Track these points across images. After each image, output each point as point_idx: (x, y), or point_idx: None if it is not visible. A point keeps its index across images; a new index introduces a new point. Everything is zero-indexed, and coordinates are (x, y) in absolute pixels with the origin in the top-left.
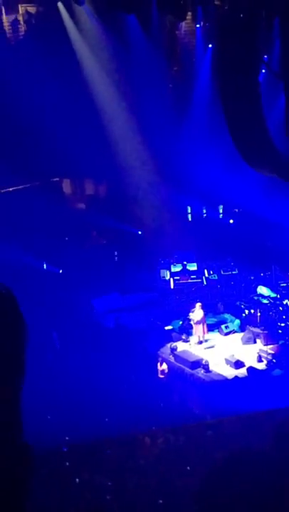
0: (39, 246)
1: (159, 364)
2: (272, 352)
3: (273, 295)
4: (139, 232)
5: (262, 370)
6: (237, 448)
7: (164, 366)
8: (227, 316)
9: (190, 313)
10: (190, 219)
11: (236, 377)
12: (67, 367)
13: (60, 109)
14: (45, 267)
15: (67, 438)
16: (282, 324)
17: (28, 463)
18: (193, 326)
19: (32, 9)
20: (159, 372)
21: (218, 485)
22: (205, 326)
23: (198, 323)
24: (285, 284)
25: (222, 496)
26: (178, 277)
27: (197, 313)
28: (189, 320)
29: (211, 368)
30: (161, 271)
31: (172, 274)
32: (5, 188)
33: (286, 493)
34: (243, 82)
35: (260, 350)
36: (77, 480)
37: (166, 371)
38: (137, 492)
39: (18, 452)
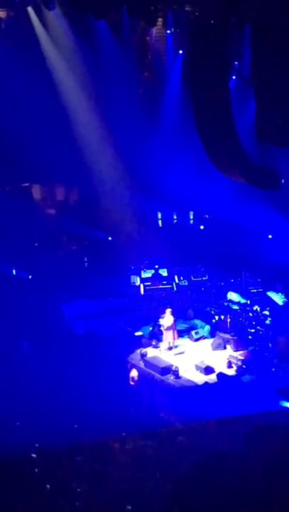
0: (9, 251)
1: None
2: (242, 358)
3: (243, 301)
4: (110, 238)
5: (232, 376)
6: (207, 454)
7: (135, 373)
8: (197, 321)
9: (160, 319)
10: (160, 225)
11: (206, 383)
12: (37, 373)
13: (30, 113)
14: (14, 272)
15: (36, 445)
16: (252, 330)
17: None
18: (164, 331)
19: (1, 14)
20: (130, 379)
21: (188, 491)
22: (175, 331)
23: (168, 329)
24: (255, 290)
25: (191, 502)
26: (148, 283)
27: (167, 319)
28: (159, 326)
29: (180, 373)
30: (132, 277)
31: (142, 280)
32: None
33: (253, 498)
34: (214, 88)
35: (230, 356)
36: (48, 486)
37: (136, 378)
38: (106, 498)
39: None
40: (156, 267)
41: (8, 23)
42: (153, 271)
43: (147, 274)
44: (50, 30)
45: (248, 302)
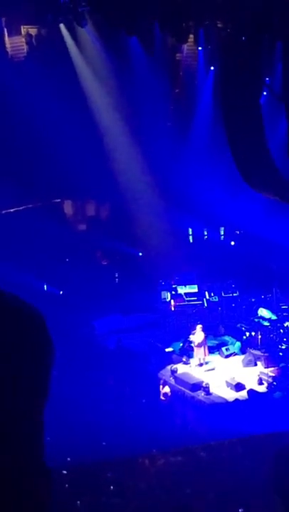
0: (40, 267)
1: (161, 386)
2: (273, 375)
3: (274, 317)
4: (140, 254)
5: (262, 393)
6: (237, 470)
7: (167, 389)
8: (228, 338)
9: (191, 335)
10: (191, 241)
11: (237, 399)
12: (68, 388)
13: (62, 130)
14: (46, 288)
15: (68, 459)
16: (283, 347)
17: (49, 485)
18: (194, 348)
19: (34, 31)
20: (162, 394)
21: (219, 506)
22: (206, 348)
23: (198, 345)
24: (286, 307)
25: None
26: (179, 299)
27: (198, 336)
28: (190, 342)
29: (211, 390)
30: (162, 292)
31: (173, 296)
32: (6, 208)
33: None
34: (245, 104)
35: (260, 372)
36: (78, 502)
37: (169, 394)
38: None
39: (41, 474)
40: (182, 288)
41: (40, 40)
42: (182, 288)
43: (178, 289)
44: (82, 47)
45: (279, 319)
